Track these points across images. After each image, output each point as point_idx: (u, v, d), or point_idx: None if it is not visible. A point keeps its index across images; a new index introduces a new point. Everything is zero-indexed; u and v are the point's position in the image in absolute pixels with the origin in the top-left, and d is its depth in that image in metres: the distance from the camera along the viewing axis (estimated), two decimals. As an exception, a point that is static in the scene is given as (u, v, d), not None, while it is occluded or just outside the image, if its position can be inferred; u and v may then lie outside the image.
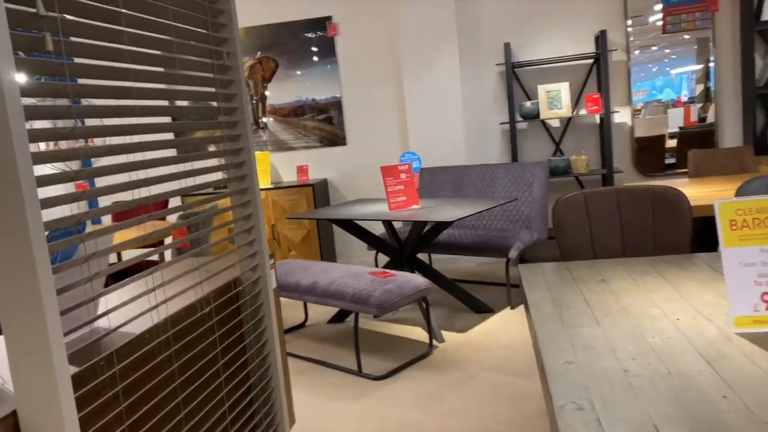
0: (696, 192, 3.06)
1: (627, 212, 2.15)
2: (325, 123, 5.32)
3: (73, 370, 1.19)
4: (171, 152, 5.43)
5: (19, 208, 1.02)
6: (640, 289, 1.58)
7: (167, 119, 5.24)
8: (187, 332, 1.57)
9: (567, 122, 4.87)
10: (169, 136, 5.23)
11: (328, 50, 5.20)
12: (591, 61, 4.77)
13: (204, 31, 1.68)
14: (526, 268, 1.89)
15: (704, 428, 0.89)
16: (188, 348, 1.57)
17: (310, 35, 5.21)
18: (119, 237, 3.65)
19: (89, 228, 3.86)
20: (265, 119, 5.41)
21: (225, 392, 1.73)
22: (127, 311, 1.58)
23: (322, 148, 5.34)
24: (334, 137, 5.31)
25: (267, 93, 5.38)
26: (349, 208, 3.91)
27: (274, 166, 5.45)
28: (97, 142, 5.11)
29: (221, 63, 1.78)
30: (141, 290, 1.79)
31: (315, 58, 5.23)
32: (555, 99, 4.61)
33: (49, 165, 4.85)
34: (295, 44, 5.26)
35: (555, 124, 4.90)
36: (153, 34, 1.44)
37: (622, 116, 4.80)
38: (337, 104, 5.26)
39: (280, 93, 5.37)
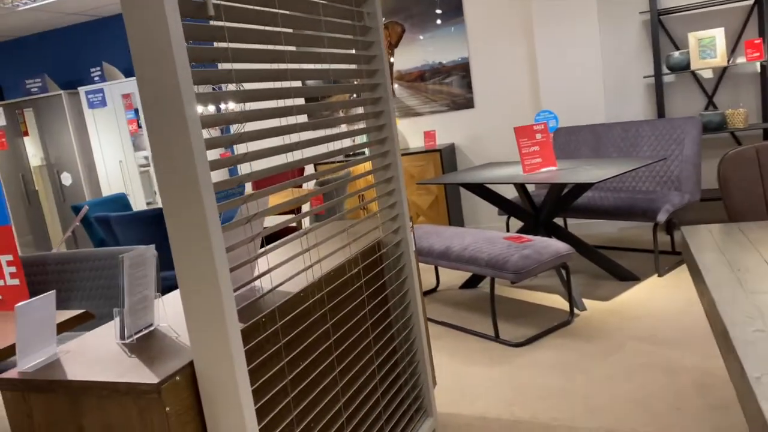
0: None
1: (810, 167, 1.89)
2: (452, 86, 5.22)
3: (240, 326, 1.24)
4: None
5: (190, 170, 1.06)
6: (838, 251, 1.38)
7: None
8: (339, 292, 1.60)
9: (722, 72, 4.40)
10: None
11: (453, 11, 5.07)
12: (751, 2, 4.25)
13: (345, -8, 1.67)
14: (690, 229, 1.73)
15: None
16: (340, 306, 1.60)
17: (435, -3, 5.10)
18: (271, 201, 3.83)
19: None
20: (394, 85, 5.41)
21: (374, 351, 1.76)
22: (284, 271, 1.64)
23: (449, 112, 5.26)
24: (461, 100, 5.20)
25: (392, 60, 5.37)
26: (479, 172, 3.83)
27: (401, 133, 5.46)
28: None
29: (362, 24, 1.76)
30: (293, 252, 1.85)
31: (438, 21, 5.12)
32: (708, 47, 4.18)
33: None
34: (419, 7, 5.18)
35: (707, 75, 4.45)
36: (300, -3, 1.45)
37: (789, 62, 4.25)
38: (464, 66, 5.13)
39: (405, 58, 5.33)
